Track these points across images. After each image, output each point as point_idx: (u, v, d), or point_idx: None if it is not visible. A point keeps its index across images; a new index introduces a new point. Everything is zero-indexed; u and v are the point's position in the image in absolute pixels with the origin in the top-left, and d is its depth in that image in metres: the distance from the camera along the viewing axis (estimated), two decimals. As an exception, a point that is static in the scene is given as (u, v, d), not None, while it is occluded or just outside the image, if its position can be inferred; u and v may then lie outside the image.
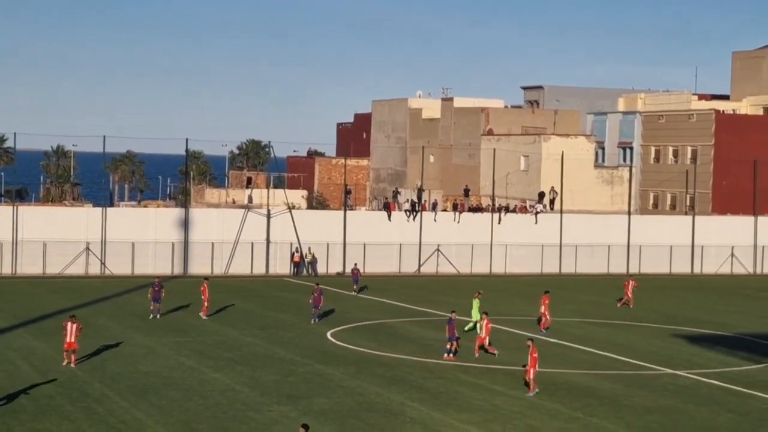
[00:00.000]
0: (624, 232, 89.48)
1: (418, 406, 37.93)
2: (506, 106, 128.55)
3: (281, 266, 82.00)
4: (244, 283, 73.29)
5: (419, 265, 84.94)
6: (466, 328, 53.87)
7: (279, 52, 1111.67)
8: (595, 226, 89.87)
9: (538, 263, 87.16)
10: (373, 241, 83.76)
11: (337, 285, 75.13)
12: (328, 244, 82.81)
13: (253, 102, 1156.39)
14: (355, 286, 70.75)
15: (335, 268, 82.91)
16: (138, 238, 79.14)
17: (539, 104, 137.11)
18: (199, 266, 79.96)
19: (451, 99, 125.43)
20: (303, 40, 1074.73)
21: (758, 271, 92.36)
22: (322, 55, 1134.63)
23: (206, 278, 61.32)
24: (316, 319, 57.45)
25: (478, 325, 51.94)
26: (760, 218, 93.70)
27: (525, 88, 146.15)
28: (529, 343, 41.25)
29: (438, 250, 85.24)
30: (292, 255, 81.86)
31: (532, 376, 40.15)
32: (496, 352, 47.93)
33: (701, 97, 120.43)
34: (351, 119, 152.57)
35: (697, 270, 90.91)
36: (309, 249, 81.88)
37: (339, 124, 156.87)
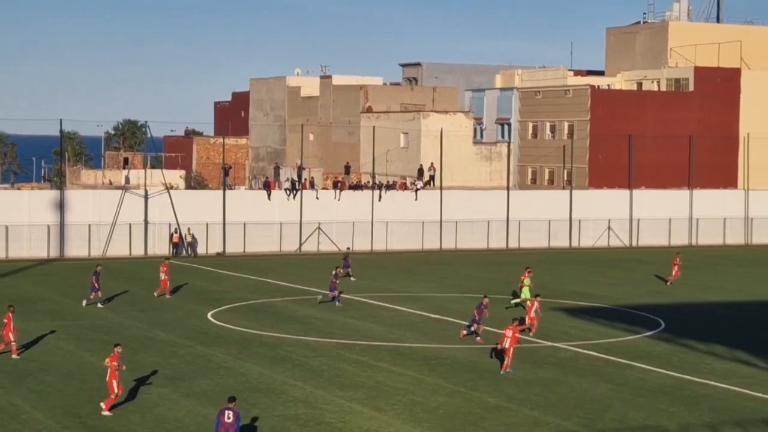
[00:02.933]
0: (503, 208, 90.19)
1: (301, 384, 37.78)
2: (385, 84, 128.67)
3: (160, 247, 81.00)
4: (123, 265, 72.27)
5: (300, 244, 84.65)
6: (513, 302, 55.17)
7: (155, 31, 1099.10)
8: (475, 201, 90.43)
9: (419, 240, 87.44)
10: (253, 220, 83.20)
11: (217, 265, 74.60)
12: (207, 224, 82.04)
13: (129, 81, 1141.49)
14: (349, 270, 67.08)
15: (215, 248, 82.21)
16: (12, 221, 77.46)
17: (417, 81, 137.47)
18: (75, 249, 78.65)
19: (330, 77, 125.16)
20: (179, 18, 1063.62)
21: (634, 243, 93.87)
22: (199, 33, 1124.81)
23: (167, 258, 63.91)
24: (337, 302, 56.36)
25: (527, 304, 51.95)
26: (636, 191, 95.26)
27: (403, 66, 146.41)
28: (516, 323, 41.57)
29: (319, 228, 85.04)
30: (171, 236, 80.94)
31: (510, 355, 40.07)
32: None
33: (577, 72, 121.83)
34: (229, 98, 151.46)
35: (575, 243, 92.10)
36: (188, 229, 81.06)
37: (217, 103, 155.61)
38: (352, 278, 65.81)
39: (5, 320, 41.96)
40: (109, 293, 59.23)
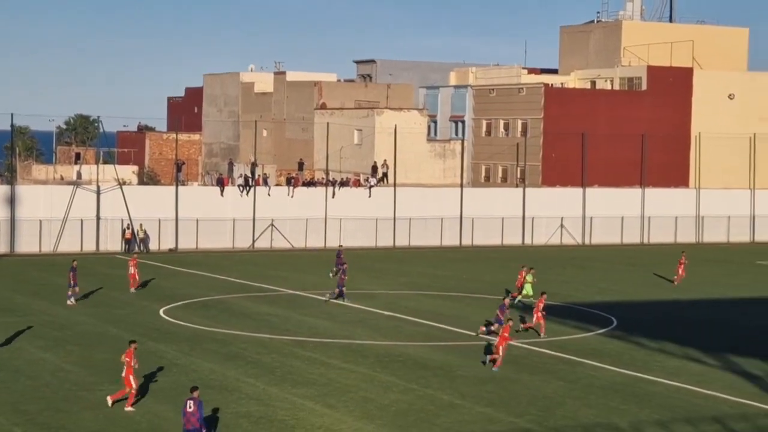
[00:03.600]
0: (457, 205, 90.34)
1: (253, 381, 37.65)
2: (339, 80, 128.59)
3: (112, 243, 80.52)
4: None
5: (253, 241, 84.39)
6: (516, 301, 55.10)
7: (107, 24, 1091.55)
8: (429, 199, 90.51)
9: (373, 237, 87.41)
10: (206, 216, 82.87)
11: (170, 262, 74.26)
12: (159, 220, 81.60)
13: (81, 76, 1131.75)
14: (338, 269, 64.52)
15: (167, 244, 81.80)
16: (-38, 216, 76.80)
17: (372, 78, 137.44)
18: (26, 244, 78.04)
19: (284, 73, 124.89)
20: (132, 12, 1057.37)
21: (587, 241, 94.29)
22: (152, 27, 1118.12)
23: (136, 253, 68.85)
24: (339, 299, 56.29)
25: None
26: (588, 190, 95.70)
27: (358, 62, 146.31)
28: (511, 322, 42.28)
29: (272, 224, 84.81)
30: (124, 232, 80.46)
31: (500, 353, 40.34)
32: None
33: (531, 71, 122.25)
34: (182, 93, 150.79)
35: (528, 241, 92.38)
36: (140, 225, 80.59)
37: (170, 99, 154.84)
38: (331, 274, 65.68)
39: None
40: (60, 289, 58.82)
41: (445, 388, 37.36)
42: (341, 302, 56.20)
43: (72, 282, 54.55)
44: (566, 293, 62.62)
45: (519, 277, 58.24)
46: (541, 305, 48.19)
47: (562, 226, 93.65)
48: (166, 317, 51.26)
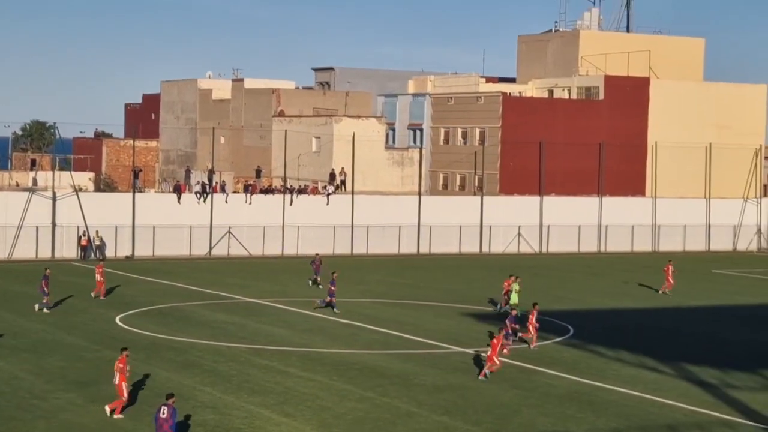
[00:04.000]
0: (414, 213, 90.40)
1: (209, 390, 37.49)
2: (297, 88, 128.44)
3: (68, 250, 80.00)
4: (29, 268, 71.21)
5: (210, 248, 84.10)
6: (501, 310, 55.35)
7: (64, 30, 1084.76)
8: (387, 207, 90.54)
9: (330, 244, 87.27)
10: (162, 223, 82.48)
11: (126, 269, 73.86)
12: (116, 227, 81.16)
13: (37, 81, 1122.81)
14: (316, 277, 66.19)
15: (124, 251, 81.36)
16: None
17: (330, 86, 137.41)
18: (-19, 251, 77.49)
19: (242, 80, 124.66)
20: (89, 18, 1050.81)
21: (544, 249, 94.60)
22: (109, 33, 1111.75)
23: (101, 259, 70.53)
24: (331, 307, 56.18)
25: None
26: (546, 198, 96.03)
27: (316, 70, 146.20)
28: (503, 333, 42.65)
29: (229, 232, 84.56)
30: (79, 238, 79.96)
31: (496, 362, 40.47)
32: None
33: (489, 79, 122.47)
34: (139, 100, 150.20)
35: (485, 249, 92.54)
36: (96, 232, 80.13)
37: (127, 105, 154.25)
38: (310, 282, 65.55)
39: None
40: (16, 296, 58.48)
41: (402, 396, 37.34)
42: (334, 311, 55.88)
43: (44, 290, 54.17)
44: (523, 301, 62.50)
45: (505, 285, 58.05)
46: (534, 316, 47.82)
47: (519, 234, 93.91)
48: (123, 325, 50.97)
